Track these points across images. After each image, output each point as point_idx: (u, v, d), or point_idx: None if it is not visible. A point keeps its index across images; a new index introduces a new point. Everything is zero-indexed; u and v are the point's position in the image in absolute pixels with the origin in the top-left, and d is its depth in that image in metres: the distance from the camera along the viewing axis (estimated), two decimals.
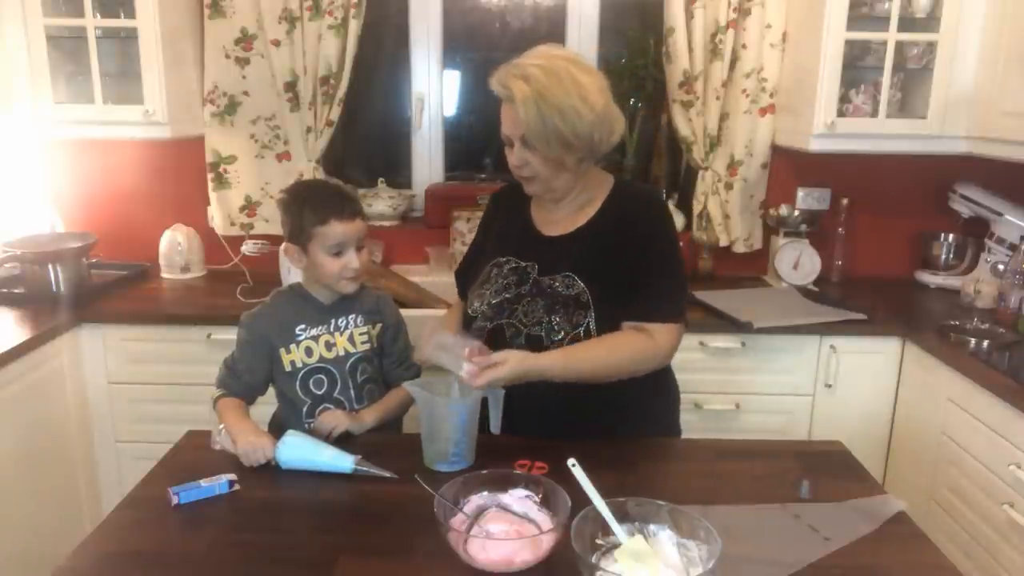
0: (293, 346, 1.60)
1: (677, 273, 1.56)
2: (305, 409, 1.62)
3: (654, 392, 1.62)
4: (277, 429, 1.56)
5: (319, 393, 1.62)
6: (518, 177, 1.56)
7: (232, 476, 1.36)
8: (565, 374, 1.45)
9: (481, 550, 1.11)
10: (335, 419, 1.54)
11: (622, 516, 1.11)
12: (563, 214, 1.59)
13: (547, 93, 1.41)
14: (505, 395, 1.43)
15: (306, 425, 1.59)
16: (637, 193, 1.64)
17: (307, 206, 1.55)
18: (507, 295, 1.56)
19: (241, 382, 1.60)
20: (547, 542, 1.12)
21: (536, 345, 1.51)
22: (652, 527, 1.12)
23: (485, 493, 1.23)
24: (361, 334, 1.64)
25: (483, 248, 1.70)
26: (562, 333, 1.50)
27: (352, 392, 1.64)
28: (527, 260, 1.58)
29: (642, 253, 1.52)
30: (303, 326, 1.60)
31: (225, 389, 1.59)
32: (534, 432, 1.50)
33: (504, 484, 1.24)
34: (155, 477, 1.40)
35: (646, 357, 1.52)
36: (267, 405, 1.68)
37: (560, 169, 1.50)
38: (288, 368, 1.60)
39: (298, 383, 1.61)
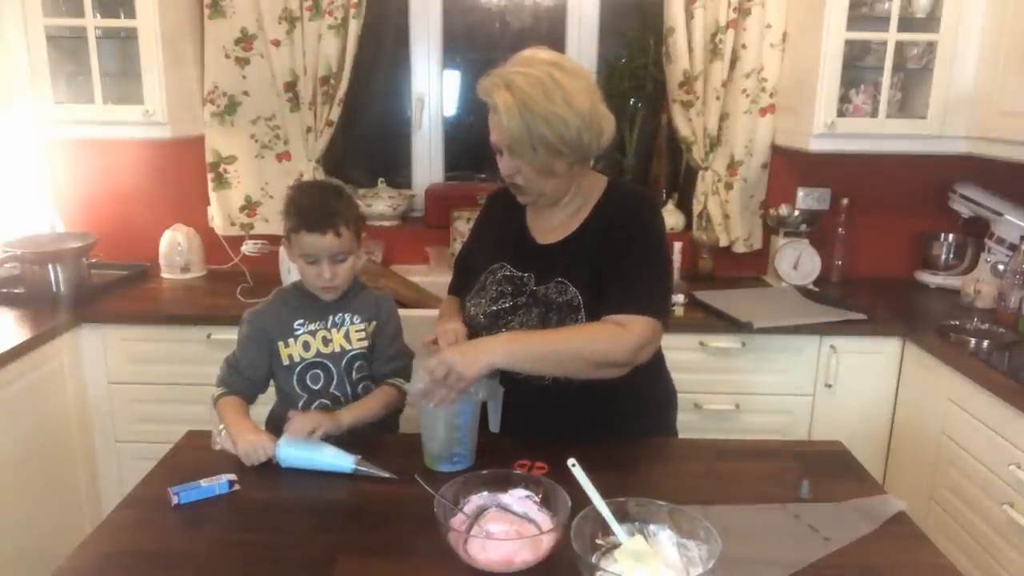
0: (291, 340, 1.60)
1: (657, 270, 1.52)
2: (301, 404, 1.62)
3: (650, 392, 1.62)
4: (274, 425, 1.57)
5: (315, 388, 1.62)
6: (510, 186, 1.55)
7: (232, 476, 1.36)
8: (515, 352, 1.38)
9: (481, 550, 1.11)
10: (313, 420, 1.48)
11: (622, 516, 1.11)
12: (558, 220, 1.58)
13: (530, 102, 1.39)
14: (504, 394, 1.43)
15: None
16: (628, 191, 1.62)
17: (290, 210, 1.56)
18: (504, 304, 1.55)
19: (243, 377, 1.60)
20: (547, 542, 1.12)
21: None
22: (652, 527, 1.12)
23: (485, 493, 1.23)
24: (358, 331, 1.64)
25: (479, 249, 1.70)
26: None
27: (348, 388, 1.64)
28: (523, 270, 1.57)
29: (624, 247, 1.49)
30: (301, 320, 1.61)
31: (226, 387, 1.59)
32: (531, 432, 1.49)
33: (504, 484, 1.24)
34: (155, 477, 1.40)
35: (610, 340, 1.42)
36: (266, 405, 1.68)
37: (550, 175, 1.48)
38: (286, 362, 1.61)
39: (295, 377, 1.61)
